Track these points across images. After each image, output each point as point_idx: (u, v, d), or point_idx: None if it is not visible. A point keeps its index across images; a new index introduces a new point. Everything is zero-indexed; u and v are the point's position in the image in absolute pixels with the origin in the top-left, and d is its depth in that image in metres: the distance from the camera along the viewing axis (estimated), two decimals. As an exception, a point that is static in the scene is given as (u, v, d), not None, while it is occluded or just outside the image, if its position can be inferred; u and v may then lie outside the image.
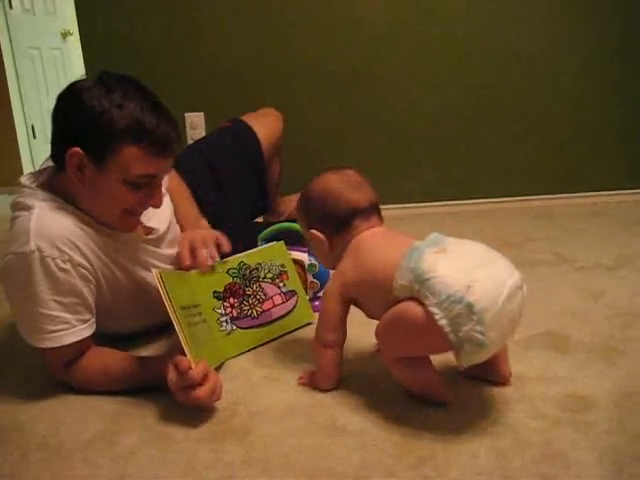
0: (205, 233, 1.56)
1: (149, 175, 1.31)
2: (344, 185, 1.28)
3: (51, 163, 1.40)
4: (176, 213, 1.68)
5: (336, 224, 1.27)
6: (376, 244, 1.24)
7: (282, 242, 1.68)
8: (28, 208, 1.30)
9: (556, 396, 1.21)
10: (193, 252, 1.49)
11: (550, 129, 2.87)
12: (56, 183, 1.37)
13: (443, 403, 1.19)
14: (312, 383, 1.31)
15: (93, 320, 1.37)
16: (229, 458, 1.09)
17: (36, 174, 1.41)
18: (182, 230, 1.66)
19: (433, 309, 1.04)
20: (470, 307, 1.02)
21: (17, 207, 1.34)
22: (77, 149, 1.27)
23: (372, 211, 1.28)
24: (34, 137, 4.86)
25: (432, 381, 1.18)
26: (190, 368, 1.18)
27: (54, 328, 1.29)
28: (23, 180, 1.40)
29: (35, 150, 4.89)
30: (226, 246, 1.53)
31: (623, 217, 2.55)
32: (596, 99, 2.84)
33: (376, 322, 1.20)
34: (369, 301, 1.24)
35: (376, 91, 2.87)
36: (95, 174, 1.30)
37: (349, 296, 1.25)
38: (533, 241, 2.29)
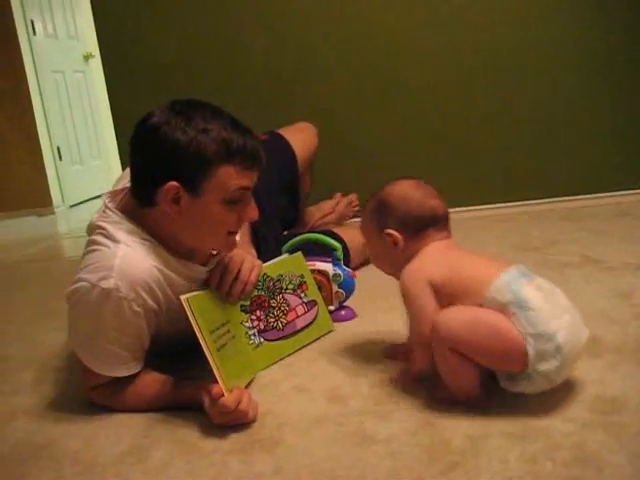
0: (248, 260, 1.52)
1: (244, 188, 1.32)
2: (424, 192, 1.33)
3: (126, 181, 1.40)
4: None
5: (416, 227, 1.31)
6: (464, 255, 1.29)
7: (300, 253, 1.69)
8: (114, 240, 1.30)
9: (587, 398, 1.20)
10: (224, 276, 1.46)
11: (570, 130, 2.86)
12: (142, 217, 1.36)
13: (473, 404, 1.20)
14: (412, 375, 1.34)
15: (143, 355, 1.39)
16: (259, 469, 1.10)
17: (116, 195, 1.41)
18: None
19: (529, 339, 1.11)
20: (558, 348, 1.11)
21: (101, 234, 1.33)
22: (173, 183, 1.26)
23: (447, 222, 1.34)
24: (60, 159, 4.94)
25: (473, 381, 1.20)
26: (222, 395, 1.20)
27: (109, 360, 1.32)
28: (107, 201, 1.40)
29: (61, 171, 4.97)
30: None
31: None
32: (614, 99, 2.84)
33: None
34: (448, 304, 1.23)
35: (403, 102, 2.88)
36: (192, 202, 1.29)
37: (436, 284, 1.24)
38: (559, 243, 2.27)
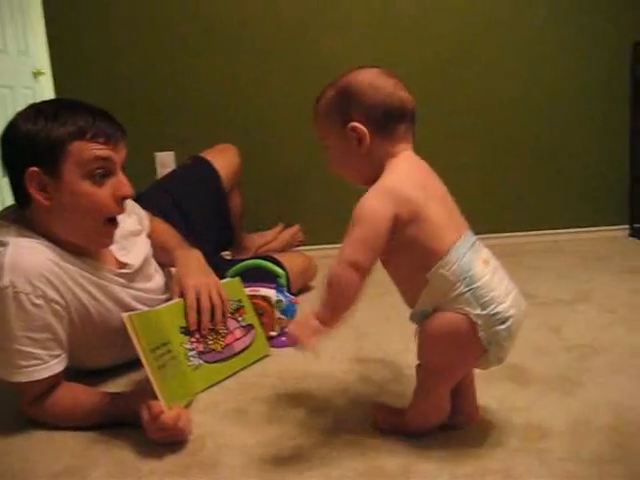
0: (210, 285, 1.59)
1: (103, 158, 1.34)
2: (394, 81, 1.17)
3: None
4: (160, 243, 1.72)
5: (385, 121, 1.15)
6: (437, 195, 1.16)
7: (237, 278, 1.72)
8: (3, 244, 1.32)
9: (515, 426, 1.24)
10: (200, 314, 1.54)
11: (513, 169, 2.95)
12: (27, 219, 1.39)
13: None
14: (311, 330, 1.09)
15: (65, 355, 1.38)
16: (196, 489, 1.11)
17: (8, 212, 1.44)
18: (169, 259, 1.70)
19: (477, 320, 1.08)
20: (509, 328, 1.10)
21: None
22: (32, 168, 1.31)
23: (413, 121, 1.19)
24: (3, 175, 4.85)
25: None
26: (162, 412, 1.21)
27: (26, 363, 1.30)
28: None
29: (4, 188, 4.88)
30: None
31: (582, 254, 2.63)
32: (556, 141, 2.94)
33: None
34: (400, 247, 1.12)
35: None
36: (57, 186, 1.33)
37: (398, 224, 1.09)
38: (496, 277, 2.34)
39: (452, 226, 1.14)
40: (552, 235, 2.94)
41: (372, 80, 1.15)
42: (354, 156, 1.17)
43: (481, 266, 1.11)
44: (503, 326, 1.09)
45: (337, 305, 1.10)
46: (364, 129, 1.14)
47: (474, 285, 1.08)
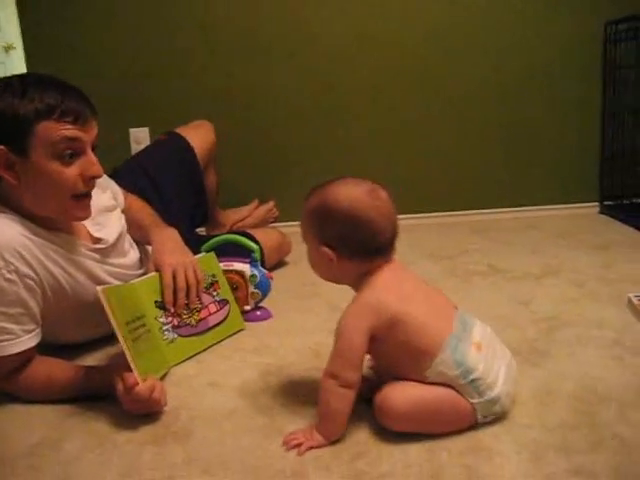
0: (187, 264, 1.59)
1: (71, 139, 1.32)
2: (376, 213, 1.14)
3: None
4: (136, 220, 1.73)
5: (357, 252, 1.16)
6: (418, 298, 1.18)
7: (212, 253, 1.73)
8: None
9: (483, 395, 1.28)
10: (176, 292, 1.55)
11: (487, 149, 2.98)
12: None
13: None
14: (313, 440, 1.14)
15: (38, 330, 1.39)
16: (171, 459, 1.13)
17: None
18: (146, 239, 1.70)
19: (476, 406, 1.13)
20: (502, 404, 1.16)
21: None
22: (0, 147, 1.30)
23: (394, 245, 1.19)
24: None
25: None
26: (136, 384, 1.22)
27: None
28: None
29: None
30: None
31: (552, 230, 2.67)
32: (529, 120, 2.97)
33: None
34: (392, 351, 1.16)
35: (328, 110, 2.95)
36: (24, 165, 1.32)
37: (378, 333, 1.14)
38: (468, 253, 2.38)
39: (440, 319, 1.17)
40: (524, 212, 2.97)
41: (352, 212, 1.13)
42: (324, 268, 1.21)
43: (474, 354, 1.14)
44: (497, 405, 1.15)
45: (327, 413, 1.16)
46: (332, 255, 1.16)
47: (471, 377, 1.12)
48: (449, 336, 1.14)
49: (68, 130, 1.32)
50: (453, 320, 1.17)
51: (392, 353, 1.16)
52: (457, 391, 1.13)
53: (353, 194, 1.15)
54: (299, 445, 1.13)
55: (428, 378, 1.13)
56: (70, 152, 1.33)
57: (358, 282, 1.19)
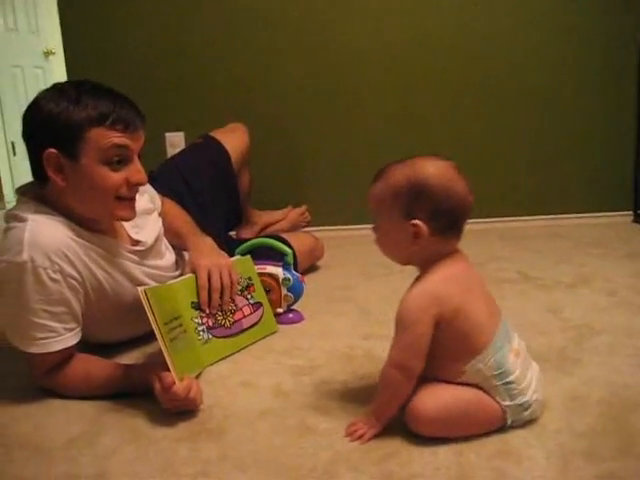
0: (222, 265, 1.63)
1: (120, 146, 1.37)
2: (464, 188, 1.15)
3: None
4: (173, 228, 1.77)
5: (447, 227, 1.15)
6: (473, 292, 1.18)
7: (249, 256, 1.77)
8: (22, 220, 1.36)
9: (513, 401, 1.29)
10: (210, 293, 1.59)
11: (515, 159, 2.98)
12: (45, 196, 1.43)
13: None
14: (374, 428, 1.18)
15: (79, 329, 1.43)
16: (205, 456, 1.16)
17: (28, 187, 1.48)
18: (183, 246, 1.75)
19: (506, 409, 1.15)
20: (532, 412, 1.18)
21: (12, 218, 1.39)
22: (51, 150, 1.34)
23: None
24: (14, 154, 4.90)
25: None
26: (174, 383, 1.26)
27: (42, 335, 1.35)
28: (17, 193, 1.47)
29: (15, 167, 4.93)
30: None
31: (584, 239, 2.66)
32: (562, 127, 2.96)
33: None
34: (443, 342, 1.15)
35: (359, 117, 2.97)
36: (74, 168, 1.36)
37: (441, 322, 1.14)
38: (498, 260, 2.39)
39: (491, 320, 1.18)
40: (555, 220, 2.97)
41: (447, 184, 1.12)
42: (402, 245, 1.17)
43: (513, 359, 1.16)
44: (527, 412, 1.17)
45: (388, 402, 1.18)
46: (426, 230, 1.13)
47: (506, 379, 1.14)
48: (495, 337, 1.16)
49: (118, 138, 1.36)
50: (499, 323, 1.19)
51: (442, 343, 1.15)
52: (487, 392, 1.15)
53: (442, 169, 1.14)
54: (363, 435, 1.18)
55: (464, 374, 1.15)
56: (118, 159, 1.38)
57: (427, 264, 1.18)
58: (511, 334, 1.21)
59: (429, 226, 1.12)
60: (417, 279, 1.19)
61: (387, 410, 1.18)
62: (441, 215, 1.13)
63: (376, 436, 1.18)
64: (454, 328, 1.14)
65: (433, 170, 1.13)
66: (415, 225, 1.12)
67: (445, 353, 1.16)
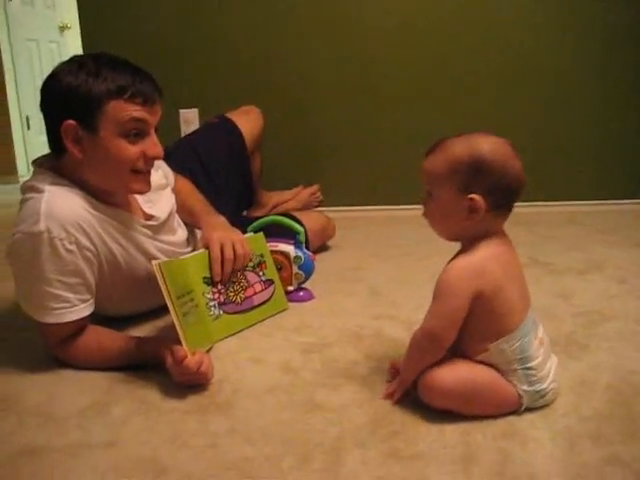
0: (234, 239, 1.63)
1: (139, 119, 1.38)
2: (521, 164, 1.15)
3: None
4: (187, 206, 1.78)
5: (503, 204, 1.15)
6: (516, 277, 1.20)
7: (261, 233, 1.77)
8: (39, 191, 1.37)
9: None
10: (223, 263, 1.59)
11: (529, 143, 2.96)
12: (61, 168, 1.44)
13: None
14: (400, 388, 1.24)
15: (92, 301, 1.44)
16: (214, 428, 1.17)
17: (44, 159, 1.48)
18: (196, 224, 1.76)
19: (523, 394, 1.16)
20: (547, 399, 1.19)
21: (28, 189, 1.40)
22: (70, 122, 1.35)
23: None
24: (28, 128, 4.92)
25: None
26: (186, 357, 1.27)
27: (56, 306, 1.37)
28: (34, 165, 1.47)
29: (29, 141, 4.95)
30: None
31: (594, 226, 2.66)
32: (575, 113, 2.94)
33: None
34: (476, 317, 1.15)
35: (372, 97, 2.96)
36: (92, 140, 1.37)
37: (481, 297, 1.14)
38: (510, 245, 2.37)
39: (522, 305, 1.19)
40: (568, 206, 2.96)
41: (506, 161, 1.12)
42: (455, 220, 1.16)
43: (536, 346, 1.17)
44: (543, 399, 1.18)
45: (415, 368, 1.20)
46: (483, 205, 1.11)
47: (527, 365, 1.15)
48: (523, 323, 1.16)
49: (136, 111, 1.37)
50: (529, 310, 1.19)
51: (473, 319, 1.15)
52: (504, 375, 1.16)
53: (501, 146, 1.14)
54: (393, 394, 1.24)
55: (486, 353, 1.16)
56: (135, 132, 1.39)
57: (474, 241, 1.17)
58: (537, 323, 1.21)
59: (486, 202, 1.11)
60: (459, 253, 1.19)
61: (412, 374, 1.20)
62: (497, 192, 1.12)
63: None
64: (490, 307, 1.14)
65: (493, 146, 1.13)
66: (472, 199, 1.11)
67: (474, 329, 1.16)
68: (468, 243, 1.18)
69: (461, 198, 1.12)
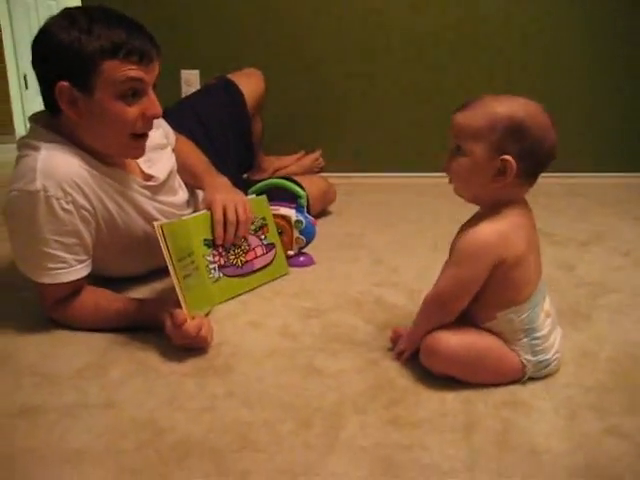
0: (237, 201, 1.60)
1: (135, 79, 1.32)
2: (555, 135, 1.12)
3: None
4: (188, 166, 1.74)
5: (534, 170, 1.12)
6: (535, 249, 1.17)
7: (264, 196, 1.74)
8: (35, 148, 1.34)
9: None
10: (226, 225, 1.57)
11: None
12: (58, 125, 1.39)
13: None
14: (408, 347, 1.25)
15: (89, 261, 1.42)
16: (212, 391, 1.16)
17: (41, 115, 1.44)
18: (198, 185, 1.73)
19: (527, 364, 1.16)
20: (551, 369, 1.19)
21: (24, 147, 1.37)
22: (63, 83, 1.30)
23: None
24: (26, 87, 4.86)
25: None
26: (185, 321, 1.26)
27: (53, 266, 1.35)
28: (30, 121, 1.43)
29: (27, 100, 4.90)
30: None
31: (598, 198, 2.64)
32: (580, 86, 2.91)
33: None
34: (491, 284, 1.13)
35: (376, 63, 2.92)
36: (88, 102, 1.32)
37: (501, 266, 1.12)
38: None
39: (536, 277, 1.17)
40: (573, 178, 2.93)
41: (544, 128, 1.09)
42: (482, 180, 1.11)
43: (543, 319, 1.16)
44: (546, 369, 1.18)
45: (424, 330, 1.19)
46: (515, 168, 1.08)
47: (533, 335, 1.15)
48: (534, 294, 1.15)
49: (132, 70, 1.31)
50: (539, 281, 1.18)
51: (488, 287, 1.14)
52: (508, 344, 1.15)
53: (541, 112, 1.11)
54: (402, 353, 1.25)
55: (493, 320, 1.15)
56: (132, 92, 1.34)
57: (496, 206, 1.14)
58: (545, 294, 1.20)
59: (517, 165, 1.08)
60: (478, 218, 1.15)
61: (418, 336, 1.20)
62: (530, 158, 1.09)
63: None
64: (509, 276, 1.12)
65: (534, 112, 1.10)
66: (504, 160, 1.08)
67: (486, 297, 1.15)
68: (489, 209, 1.14)
69: (493, 157, 1.09)
